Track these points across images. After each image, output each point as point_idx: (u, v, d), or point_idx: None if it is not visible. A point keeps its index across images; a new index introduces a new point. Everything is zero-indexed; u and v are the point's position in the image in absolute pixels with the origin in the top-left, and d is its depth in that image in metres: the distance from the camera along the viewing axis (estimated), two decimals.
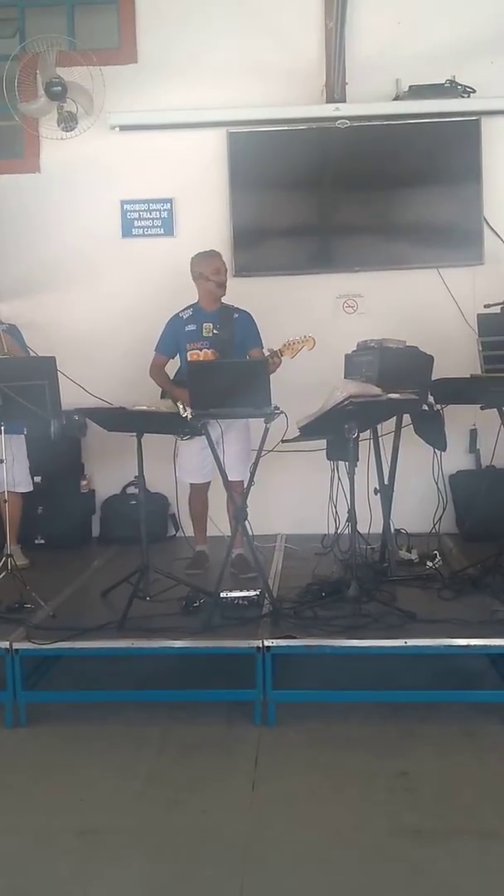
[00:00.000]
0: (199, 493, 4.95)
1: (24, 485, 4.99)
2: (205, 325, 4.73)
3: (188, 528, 5.14)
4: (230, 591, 4.06)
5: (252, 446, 4.51)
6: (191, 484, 4.93)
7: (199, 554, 4.94)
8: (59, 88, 5.33)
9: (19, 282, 5.55)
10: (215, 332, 4.71)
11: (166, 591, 4.14)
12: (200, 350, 4.71)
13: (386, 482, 4.64)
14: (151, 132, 5.68)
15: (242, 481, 4.48)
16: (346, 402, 3.87)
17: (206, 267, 4.72)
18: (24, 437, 4.93)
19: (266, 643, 3.61)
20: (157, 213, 5.76)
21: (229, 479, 4.35)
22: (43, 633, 3.78)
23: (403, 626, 3.75)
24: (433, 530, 4.78)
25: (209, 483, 4.87)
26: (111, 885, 2.66)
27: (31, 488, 5.08)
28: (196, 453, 4.72)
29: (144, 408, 4.13)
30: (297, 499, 5.46)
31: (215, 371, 4.37)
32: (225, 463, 4.35)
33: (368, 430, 4.52)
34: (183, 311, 4.81)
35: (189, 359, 4.70)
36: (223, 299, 4.82)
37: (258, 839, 2.84)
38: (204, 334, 4.72)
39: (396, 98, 5.57)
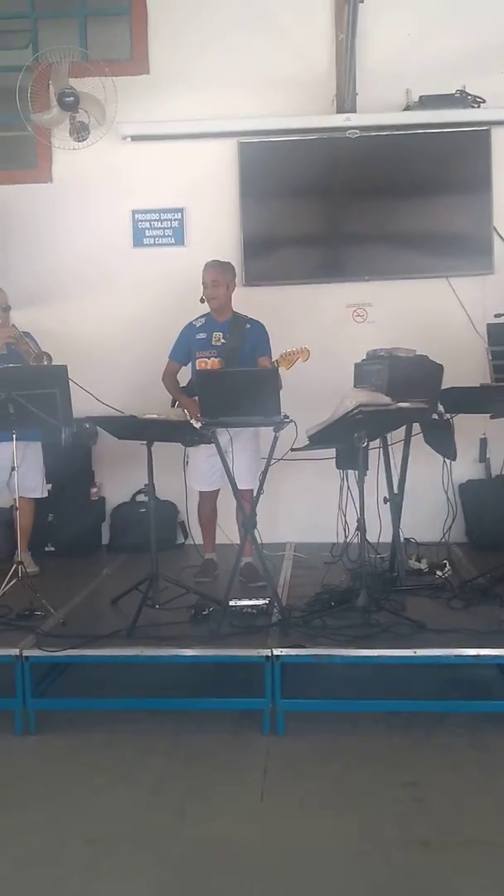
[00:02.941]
0: (207, 501, 4.96)
1: (39, 491, 5.02)
2: (214, 333, 4.76)
3: (197, 536, 5.15)
4: (239, 600, 4.07)
5: (261, 454, 4.52)
6: (199, 492, 4.94)
7: (208, 562, 4.95)
8: (72, 99, 5.37)
9: (31, 290, 5.58)
10: (223, 341, 4.73)
11: (175, 598, 4.14)
12: (208, 358, 4.74)
13: (395, 491, 4.63)
14: (163, 142, 5.71)
15: (252, 490, 4.49)
16: (355, 411, 3.87)
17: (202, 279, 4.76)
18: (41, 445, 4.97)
19: (275, 652, 3.61)
20: (169, 222, 5.79)
21: (238, 487, 4.36)
22: (53, 640, 3.79)
23: (413, 635, 3.74)
24: (443, 540, 4.77)
25: (218, 491, 4.88)
26: (118, 893, 2.66)
27: (46, 495, 5.11)
28: (203, 461, 4.74)
29: (155, 416, 4.14)
30: (307, 507, 5.47)
31: (225, 379, 4.39)
32: (234, 471, 4.36)
33: (378, 439, 4.52)
34: (197, 319, 4.85)
35: (197, 367, 4.73)
36: (235, 308, 4.84)
37: (266, 849, 2.83)
38: (213, 343, 4.75)
39: (407, 108, 5.59)
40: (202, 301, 4.76)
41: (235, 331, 4.75)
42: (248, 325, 4.79)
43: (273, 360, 4.54)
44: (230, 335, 4.74)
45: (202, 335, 4.79)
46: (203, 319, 4.84)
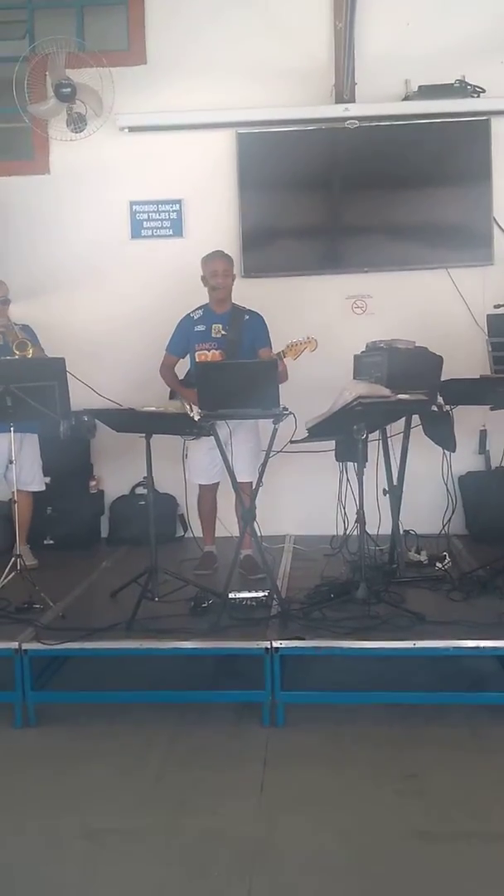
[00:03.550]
0: (207, 494, 4.95)
1: (37, 484, 5.02)
2: (214, 325, 4.74)
3: (196, 529, 5.14)
4: (239, 592, 4.06)
5: (261, 447, 4.51)
6: (199, 485, 4.93)
7: (208, 554, 4.94)
8: (69, 90, 5.34)
9: (29, 282, 5.56)
10: (224, 332, 4.72)
11: (175, 591, 4.13)
12: (209, 351, 4.72)
13: (395, 483, 4.62)
14: (160, 133, 5.69)
15: (251, 482, 4.48)
16: (355, 403, 3.86)
17: (206, 269, 4.75)
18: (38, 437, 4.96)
19: (275, 644, 3.61)
20: (167, 214, 5.77)
21: (238, 479, 4.35)
22: (52, 633, 3.78)
23: (412, 627, 3.74)
24: (442, 532, 4.76)
25: (218, 484, 4.87)
26: (119, 885, 2.66)
27: (44, 488, 5.10)
28: (204, 454, 4.73)
29: (153, 409, 4.13)
30: (306, 500, 5.46)
31: (224, 371, 4.38)
32: (234, 464, 4.35)
33: (377, 431, 4.51)
34: (194, 311, 4.83)
35: (197, 359, 4.71)
36: (234, 300, 4.82)
37: (266, 840, 2.83)
38: (213, 335, 4.73)
39: (406, 98, 5.56)
40: (214, 289, 4.72)
41: (235, 322, 4.73)
42: (247, 317, 4.77)
43: (280, 350, 4.51)
44: (230, 327, 4.72)
45: (201, 327, 4.77)
46: (201, 311, 4.81)
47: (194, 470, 4.85)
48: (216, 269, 4.72)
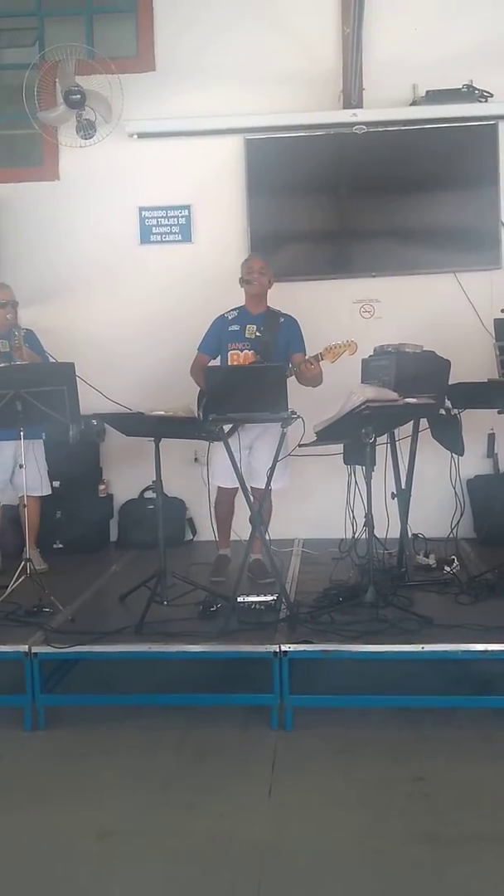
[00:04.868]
0: (226, 498, 4.90)
1: (44, 489, 5.04)
2: (248, 326, 4.73)
3: (206, 533, 5.14)
4: (247, 596, 4.07)
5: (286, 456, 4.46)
6: (219, 487, 4.90)
7: (222, 558, 4.90)
8: (78, 97, 5.38)
9: (39, 288, 5.60)
10: (258, 334, 4.71)
11: (184, 595, 4.15)
12: (241, 351, 4.70)
13: (403, 487, 4.63)
14: (169, 139, 5.73)
15: (270, 488, 4.45)
16: (363, 407, 3.87)
17: (244, 269, 4.77)
18: (43, 442, 4.98)
19: (283, 648, 3.62)
20: (175, 219, 5.80)
21: (257, 485, 4.34)
22: (61, 636, 3.80)
23: (420, 631, 3.74)
24: (451, 535, 4.76)
25: (237, 489, 4.85)
26: (129, 888, 2.67)
27: (51, 492, 5.12)
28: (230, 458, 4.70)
29: (162, 412, 4.14)
30: (315, 503, 5.47)
31: (232, 375, 4.39)
32: (255, 469, 4.33)
33: (385, 435, 4.52)
34: (229, 311, 4.81)
35: (230, 360, 4.71)
36: (269, 303, 4.82)
37: (275, 843, 2.84)
38: (246, 335, 4.71)
39: (413, 103, 5.58)
40: (248, 283, 4.71)
41: (270, 324, 4.73)
42: (282, 319, 4.75)
43: (317, 353, 4.47)
44: (265, 328, 4.71)
45: (235, 327, 4.74)
46: (235, 312, 4.79)
47: (217, 472, 4.75)
48: (253, 265, 4.74)
